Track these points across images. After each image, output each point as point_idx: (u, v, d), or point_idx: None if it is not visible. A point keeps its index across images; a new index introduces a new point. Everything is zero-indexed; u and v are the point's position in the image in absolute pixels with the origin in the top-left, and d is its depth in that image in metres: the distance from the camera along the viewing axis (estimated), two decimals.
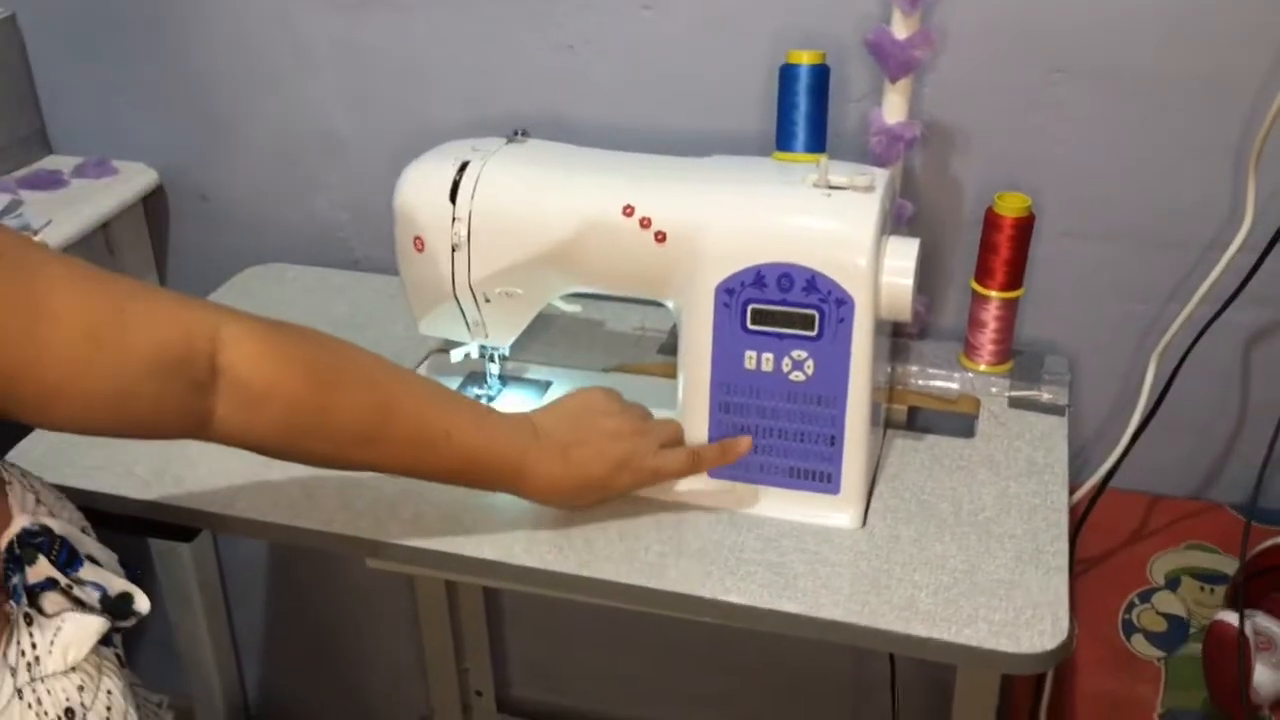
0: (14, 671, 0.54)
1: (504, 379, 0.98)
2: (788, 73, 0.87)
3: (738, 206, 0.81)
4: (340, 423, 0.70)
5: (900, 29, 0.91)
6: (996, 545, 0.81)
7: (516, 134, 0.90)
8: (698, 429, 0.85)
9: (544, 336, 1.05)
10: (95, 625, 0.56)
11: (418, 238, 0.87)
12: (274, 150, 1.23)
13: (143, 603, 0.60)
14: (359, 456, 0.73)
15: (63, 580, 0.57)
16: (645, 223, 0.82)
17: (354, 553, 0.84)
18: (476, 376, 0.99)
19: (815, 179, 0.81)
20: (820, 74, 0.87)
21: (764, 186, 0.82)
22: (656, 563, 0.80)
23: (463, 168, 0.86)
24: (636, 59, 1.08)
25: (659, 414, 0.88)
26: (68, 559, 0.58)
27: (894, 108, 0.94)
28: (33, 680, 0.54)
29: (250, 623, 1.59)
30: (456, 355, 0.95)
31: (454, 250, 0.86)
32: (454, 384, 0.99)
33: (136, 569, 0.64)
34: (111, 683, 0.58)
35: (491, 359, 0.97)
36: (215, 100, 1.22)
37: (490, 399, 0.97)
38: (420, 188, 0.87)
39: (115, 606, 0.58)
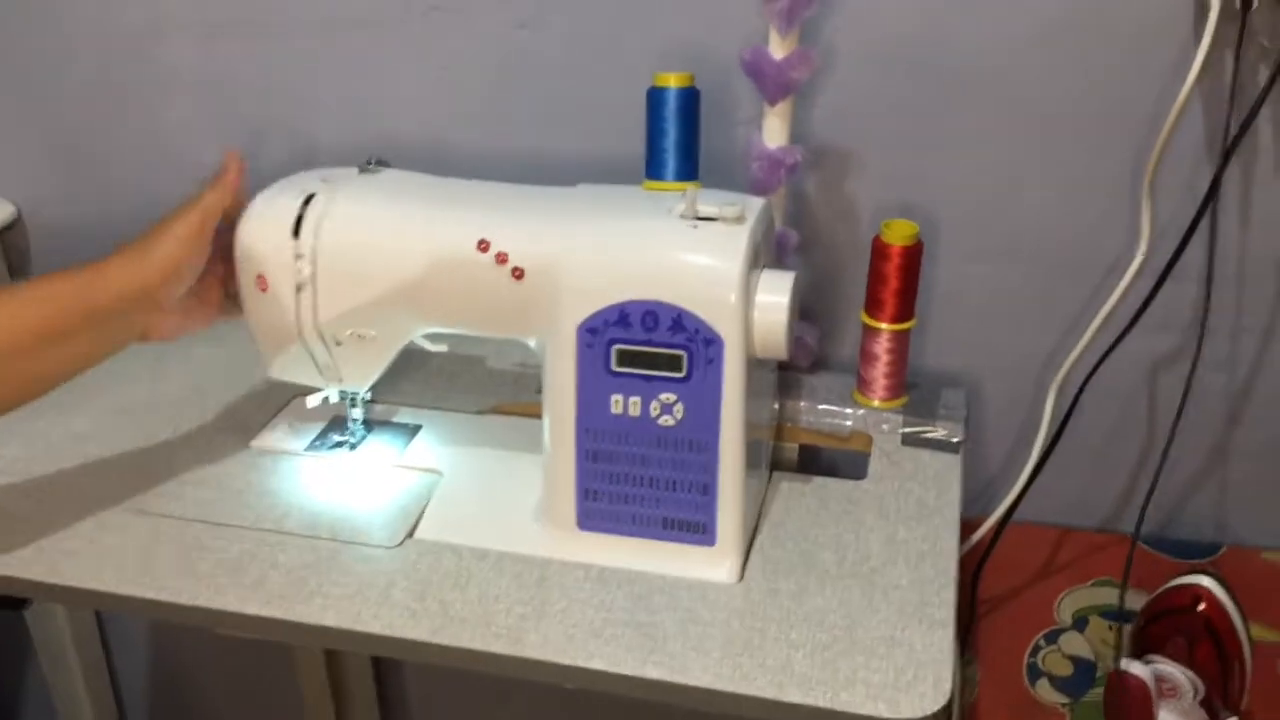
0: None
1: (368, 424, 0.92)
2: (655, 96, 0.82)
3: (599, 240, 0.75)
4: None
5: (778, 49, 0.87)
6: (880, 598, 0.76)
7: (370, 163, 0.84)
8: (564, 477, 0.79)
9: (416, 377, 0.99)
10: None
11: (260, 276, 0.81)
12: (137, 183, 1.16)
13: None
14: None
15: None
16: (501, 258, 0.76)
17: (192, 622, 0.77)
18: (339, 424, 0.92)
19: (682, 209, 0.76)
20: (688, 97, 0.82)
21: (627, 218, 0.77)
22: (516, 626, 0.74)
23: (308, 200, 0.80)
24: (513, 80, 1.02)
25: (529, 457, 0.83)
26: None
27: (774, 132, 0.89)
28: None
29: (135, 679, 1.50)
30: (313, 401, 0.88)
31: (298, 290, 0.80)
32: (314, 432, 0.92)
33: None
34: None
35: (354, 403, 0.90)
36: (76, 132, 1.15)
37: (353, 447, 0.91)
38: (262, 222, 0.80)
39: None
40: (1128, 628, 0.92)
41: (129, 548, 0.81)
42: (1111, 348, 0.92)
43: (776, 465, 0.91)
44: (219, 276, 0.82)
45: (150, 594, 0.77)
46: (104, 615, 1.41)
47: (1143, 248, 0.91)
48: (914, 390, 0.97)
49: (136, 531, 0.83)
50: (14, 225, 1.19)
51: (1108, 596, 0.99)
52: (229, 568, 0.79)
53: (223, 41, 1.07)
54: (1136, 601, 0.94)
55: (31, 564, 0.79)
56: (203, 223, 0.78)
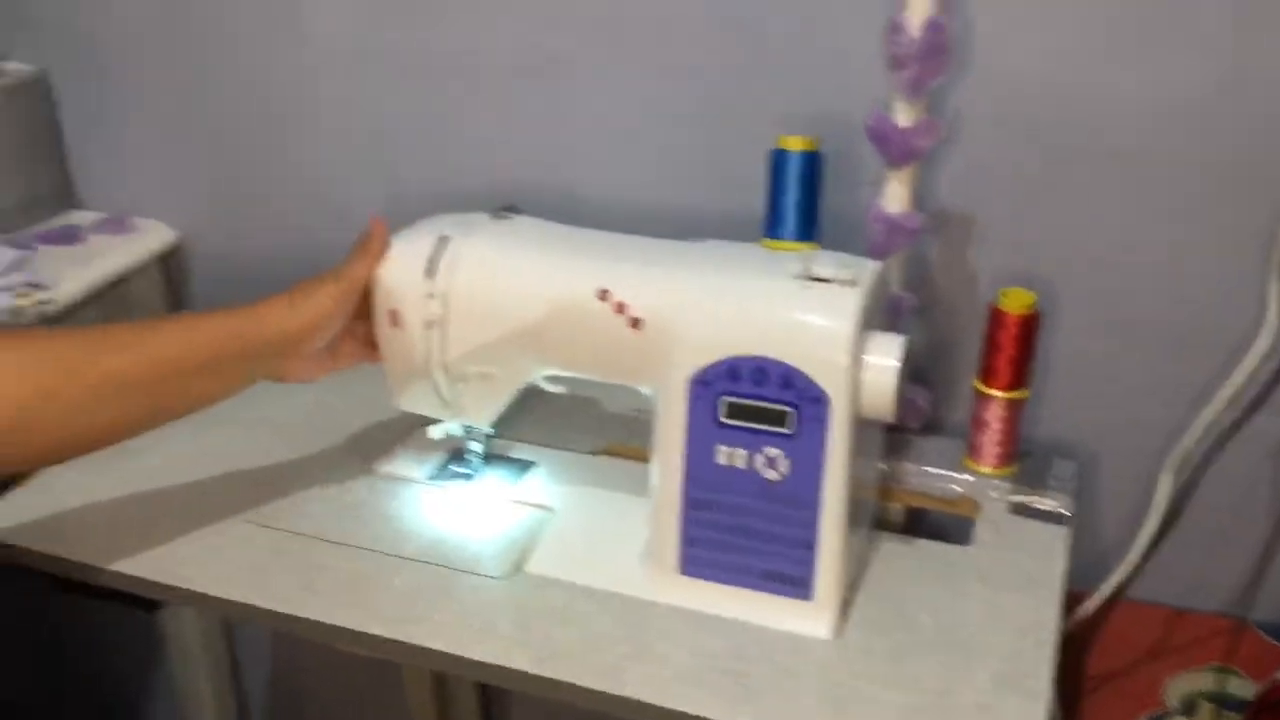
0: None
1: (486, 458, 0.96)
2: (778, 159, 0.85)
3: (715, 295, 0.78)
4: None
5: (903, 116, 0.88)
6: (977, 664, 0.76)
7: (502, 210, 0.88)
8: (669, 522, 0.82)
9: (534, 415, 1.03)
10: None
11: (394, 312, 0.85)
12: (287, 214, 1.23)
13: None
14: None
15: None
16: (620, 308, 0.79)
17: (309, 635, 0.82)
18: (458, 455, 0.96)
19: (798, 269, 0.78)
20: (811, 161, 0.84)
21: (744, 275, 0.79)
22: (616, 665, 0.76)
23: (442, 243, 0.84)
24: (641, 135, 1.06)
25: (637, 500, 0.85)
26: None
27: (895, 196, 0.91)
28: None
29: (260, 684, 1.57)
30: (435, 432, 0.93)
31: (429, 327, 0.84)
32: (435, 461, 0.97)
33: None
34: None
35: (473, 437, 0.94)
36: (238, 165, 1.23)
37: (467, 478, 0.94)
38: (399, 262, 0.85)
39: None
40: (1238, 717, 0.90)
41: (254, 559, 0.86)
42: (1233, 427, 0.91)
43: (881, 525, 0.92)
44: (354, 333, 0.88)
45: (272, 605, 0.82)
46: (232, 622, 1.47)
47: (1270, 326, 0.90)
48: (1025, 459, 0.96)
49: (261, 544, 0.88)
50: (175, 251, 1.27)
51: (1219, 683, 0.97)
52: (347, 585, 0.83)
53: (375, 83, 1.13)
54: (1249, 690, 0.91)
55: (164, 569, 0.85)
56: (349, 290, 0.84)
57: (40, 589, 0.93)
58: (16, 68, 1.22)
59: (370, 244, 0.86)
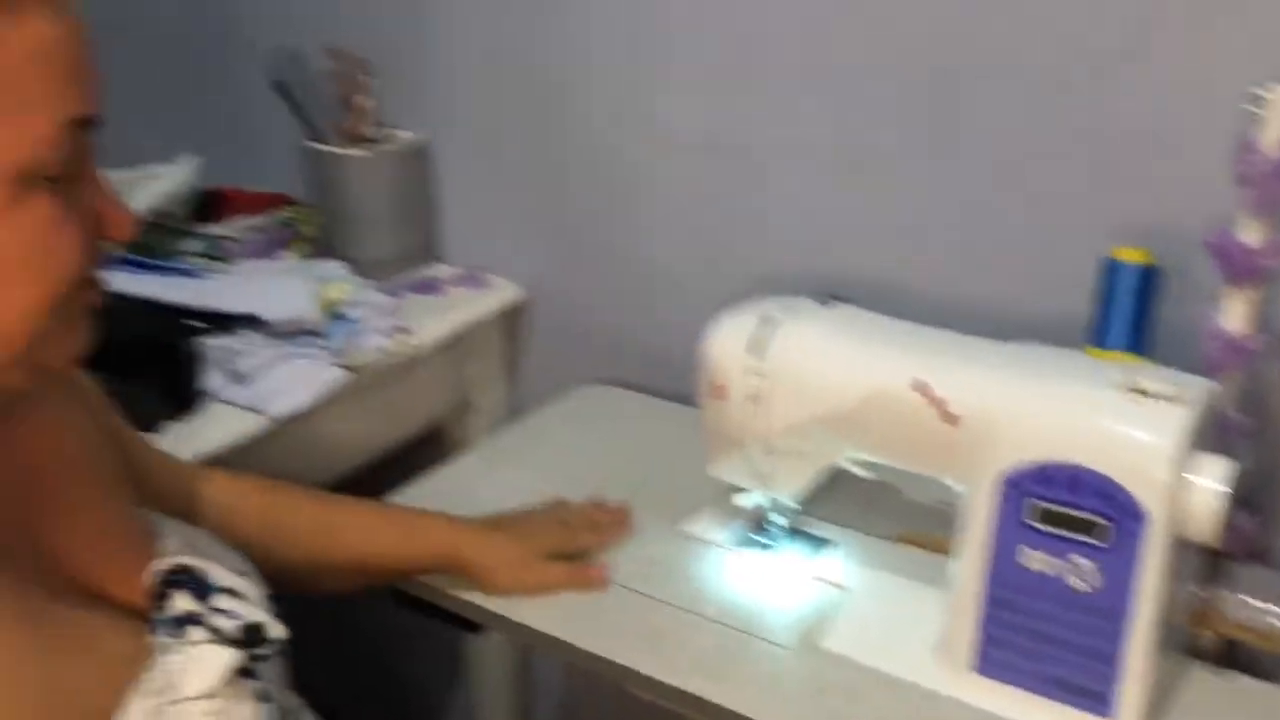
0: (149, 695, 0.61)
1: (787, 531, 1.00)
2: (1112, 269, 0.84)
3: (1035, 397, 0.79)
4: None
5: (1249, 234, 0.86)
6: None
7: (828, 297, 0.93)
8: (967, 619, 0.82)
9: (838, 495, 1.05)
10: (226, 657, 0.63)
11: (718, 385, 0.91)
12: (620, 281, 1.33)
13: (275, 630, 0.67)
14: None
15: (199, 609, 0.65)
16: (936, 402, 0.82)
17: (609, 675, 0.88)
18: (760, 525, 1.01)
19: (1124, 381, 0.77)
20: (1147, 275, 0.83)
21: (1066, 381, 0.79)
22: None
23: (769, 323, 0.90)
24: (969, 233, 1.08)
25: (933, 591, 0.87)
26: (201, 590, 0.66)
27: (1235, 315, 0.88)
28: (169, 704, 0.61)
29: (549, 716, 1.66)
30: (743, 501, 0.97)
31: (749, 402, 0.90)
32: (736, 530, 1.01)
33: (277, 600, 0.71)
34: (246, 713, 0.63)
35: (778, 510, 0.98)
36: (579, 234, 1.34)
37: (767, 548, 0.98)
38: (726, 338, 0.91)
39: (248, 636, 0.65)
40: None
41: (566, 599, 0.93)
42: None
43: (1192, 652, 0.88)
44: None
45: (581, 643, 0.89)
46: (531, 653, 1.58)
47: None
48: None
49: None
50: (519, 307, 1.40)
51: None
52: (648, 634, 0.89)
53: (714, 169, 1.21)
54: None
55: (490, 597, 0.94)
56: (557, 580, 0.94)
57: (381, 604, 1.04)
58: (406, 135, 1.39)
59: (608, 525, 0.98)
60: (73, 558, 0.66)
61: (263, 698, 0.66)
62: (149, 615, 0.65)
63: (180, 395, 1.06)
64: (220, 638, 0.64)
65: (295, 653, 0.75)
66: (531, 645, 0.93)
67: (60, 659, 0.60)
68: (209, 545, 0.73)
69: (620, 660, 0.87)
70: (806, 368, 0.87)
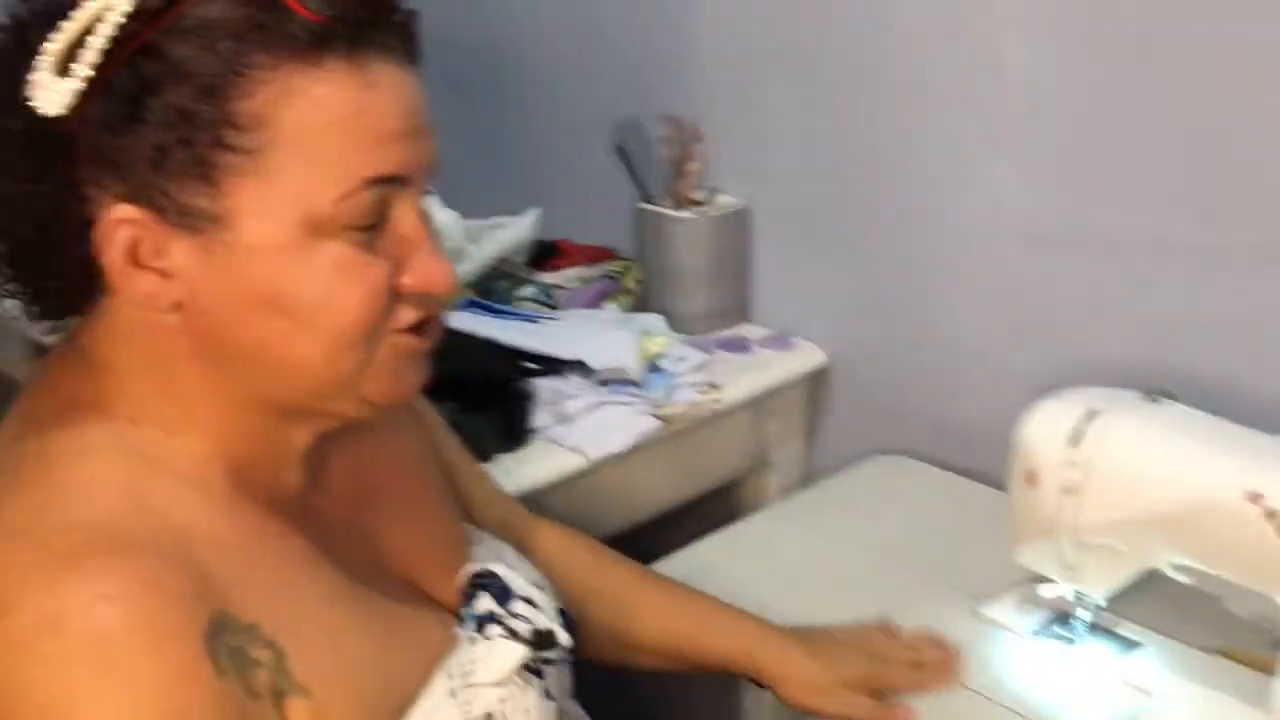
0: (451, 677, 0.68)
1: (1091, 628, 0.97)
2: None
3: None
4: None
5: None
6: None
7: (1157, 394, 0.91)
8: None
9: (1149, 596, 1.02)
10: (516, 652, 0.70)
11: (1030, 472, 0.91)
12: (924, 358, 1.33)
13: (562, 638, 0.73)
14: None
15: (500, 611, 0.72)
16: (1271, 514, 0.78)
17: None
18: (1063, 617, 0.99)
19: None
20: None
21: None
22: None
23: (1091, 416, 0.89)
24: None
25: (1249, 711, 0.83)
26: (502, 595, 0.74)
27: None
28: (466, 687, 0.68)
29: None
30: (1046, 591, 0.96)
31: (1064, 493, 0.89)
32: (1037, 619, 1.00)
33: (571, 621, 0.77)
34: (532, 702, 0.70)
35: (1083, 605, 0.96)
36: (888, 306, 1.36)
37: (1072, 643, 0.96)
38: (1045, 425, 0.91)
39: (540, 639, 0.72)
40: None
41: None
42: None
43: None
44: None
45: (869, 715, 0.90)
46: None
47: None
48: None
49: None
50: (822, 372, 1.43)
51: None
52: (940, 714, 0.90)
53: (1034, 254, 1.20)
54: None
55: None
56: (857, 713, 0.91)
57: None
58: (728, 199, 1.46)
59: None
60: (400, 558, 0.75)
61: (546, 696, 0.73)
62: (457, 611, 0.74)
63: (514, 430, 1.16)
64: (515, 637, 0.72)
65: (581, 672, 0.82)
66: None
67: (392, 643, 0.68)
68: (513, 558, 0.81)
69: None
70: (1130, 465, 0.86)
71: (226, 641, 0.58)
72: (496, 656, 0.70)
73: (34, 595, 0.54)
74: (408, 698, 0.66)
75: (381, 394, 0.65)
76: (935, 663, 0.94)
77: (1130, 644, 0.97)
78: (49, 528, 0.57)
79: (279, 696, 0.60)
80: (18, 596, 0.55)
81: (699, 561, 1.11)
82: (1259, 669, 0.92)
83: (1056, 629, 0.98)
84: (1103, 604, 0.95)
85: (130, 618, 0.55)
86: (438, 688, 0.67)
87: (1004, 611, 1.02)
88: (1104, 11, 1.10)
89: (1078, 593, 0.95)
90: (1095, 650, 0.96)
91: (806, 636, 0.94)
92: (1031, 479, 0.91)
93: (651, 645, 0.96)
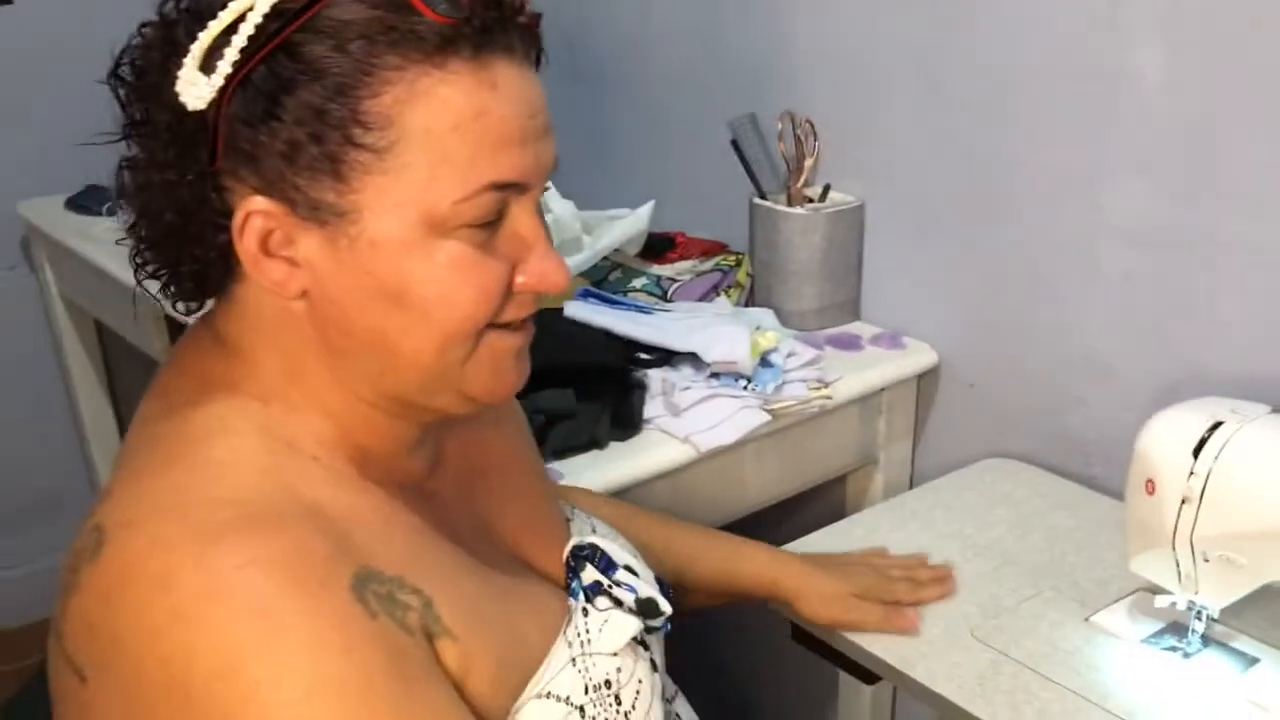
0: (570, 645, 0.71)
1: (1206, 640, 0.96)
2: None
3: None
4: None
5: None
6: None
7: None
8: None
9: (1268, 610, 1.00)
10: (631, 624, 0.73)
11: (1150, 480, 0.90)
12: (1038, 362, 1.32)
13: (664, 606, 0.76)
14: None
15: (605, 582, 0.75)
16: None
17: None
18: (1178, 628, 0.98)
19: None
20: None
21: None
22: None
23: (1215, 427, 0.88)
24: None
25: None
26: (606, 565, 0.77)
27: None
28: (584, 654, 0.71)
29: None
30: (1161, 601, 0.95)
31: (1183, 503, 0.88)
32: (1152, 628, 0.99)
33: (668, 589, 0.80)
34: (643, 672, 0.73)
35: (1199, 616, 0.95)
36: (1004, 308, 1.35)
37: (1186, 655, 0.95)
38: (1166, 434, 0.90)
39: (644, 607, 0.75)
40: None
41: (972, 668, 0.95)
42: None
43: None
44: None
45: (982, 715, 0.91)
46: (899, 706, 1.59)
47: None
48: None
49: (977, 656, 0.97)
50: (932, 372, 1.43)
51: None
52: (1045, 717, 0.89)
53: (1152, 249, 1.18)
54: None
55: (892, 651, 0.98)
56: (869, 619, 1.00)
57: (777, 633, 1.11)
58: (843, 197, 1.46)
59: (935, 584, 1.03)
60: (510, 536, 0.79)
61: (653, 667, 0.75)
62: (565, 583, 0.77)
63: (627, 419, 1.18)
64: (621, 607, 0.74)
65: (668, 649, 0.84)
66: (943, 714, 0.96)
67: (514, 608, 0.71)
68: (606, 530, 0.84)
69: None
70: (1254, 478, 0.85)
71: (374, 589, 0.61)
72: (612, 627, 0.73)
73: (189, 570, 0.58)
74: (534, 662, 0.69)
75: (483, 391, 0.68)
76: (929, 579, 1.05)
77: (1248, 659, 0.95)
78: (195, 504, 0.60)
79: (431, 637, 0.63)
80: (174, 572, 0.58)
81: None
82: None
83: (1169, 640, 0.97)
84: (1217, 616, 0.94)
85: (281, 577, 0.58)
86: (560, 654, 0.70)
87: (1115, 620, 1.01)
88: (1227, 21, 1.08)
89: (1193, 604, 0.94)
90: (1209, 663, 0.95)
91: (819, 559, 1.06)
92: (1151, 487, 0.90)
93: (691, 583, 1.01)
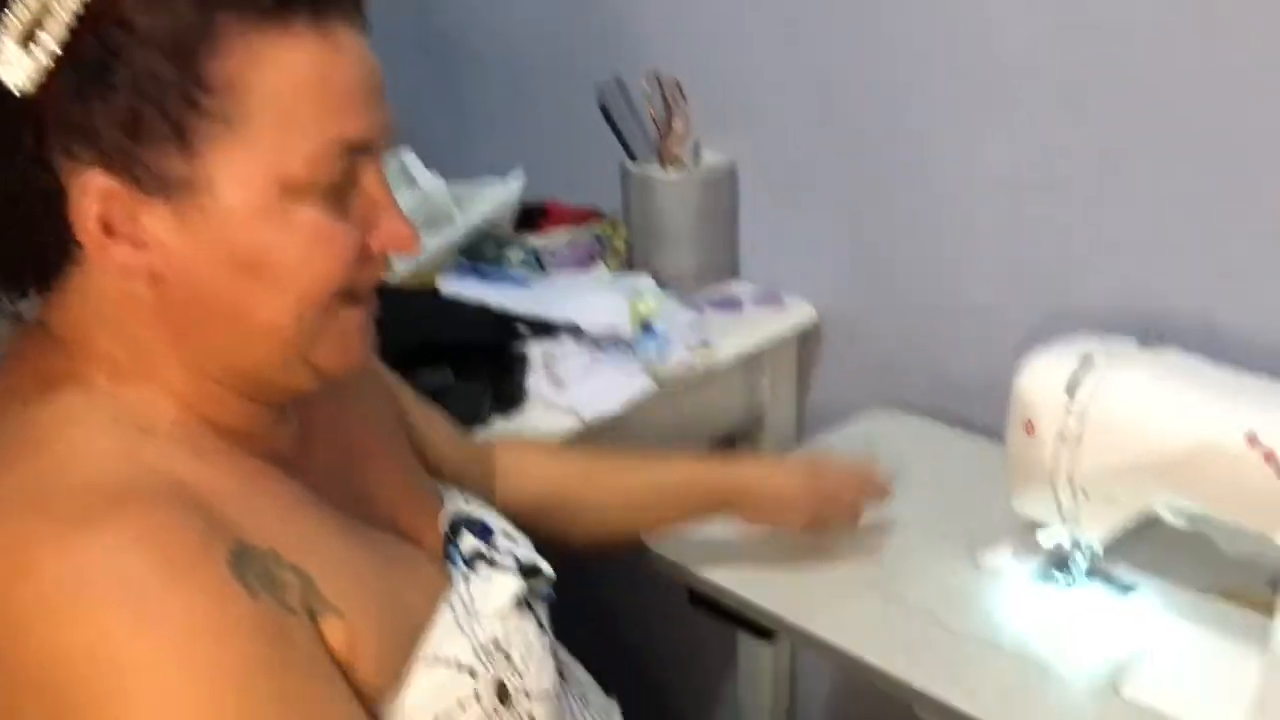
0: (454, 609, 0.70)
1: (1089, 573, 0.98)
2: None
3: None
4: None
5: None
6: None
7: (1150, 338, 0.91)
8: None
9: (1146, 541, 1.03)
10: (513, 583, 0.73)
11: (1029, 421, 0.91)
12: (921, 306, 1.34)
13: (546, 569, 0.77)
14: None
15: (484, 548, 0.75)
16: (1270, 456, 0.79)
17: (900, 696, 0.90)
18: (1061, 563, 1.00)
19: None
20: None
21: None
22: None
23: (1087, 363, 0.89)
24: None
25: (1244, 649, 0.84)
26: (483, 532, 0.77)
27: None
28: (469, 617, 0.70)
29: None
30: (1044, 538, 0.97)
31: (1062, 440, 0.90)
32: (1036, 563, 1.01)
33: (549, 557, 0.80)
34: (531, 632, 0.73)
35: (1081, 550, 0.97)
36: (880, 261, 1.36)
37: (1068, 587, 0.98)
38: (1041, 375, 0.91)
39: (525, 569, 0.76)
40: None
41: (865, 618, 0.96)
42: None
43: None
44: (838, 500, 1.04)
45: (877, 661, 0.91)
46: (798, 663, 1.61)
47: None
48: None
49: (871, 606, 0.98)
50: (813, 329, 1.43)
51: None
52: (944, 662, 0.91)
53: (1023, 192, 1.21)
54: None
55: (789, 607, 0.98)
56: (818, 494, 1.01)
57: (674, 599, 1.10)
58: (715, 157, 1.45)
59: (875, 487, 1.04)
60: (386, 506, 0.77)
61: (541, 628, 0.75)
62: (444, 552, 0.77)
63: (508, 394, 1.16)
64: (504, 570, 0.75)
65: (564, 619, 0.83)
66: (839, 665, 0.96)
67: (395, 577, 0.69)
68: (479, 504, 0.83)
69: (916, 682, 0.89)
70: (1127, 412, 0.86)
71: (252, 567, 0.59)
72: (494, 589, 0.72)
73: (50, 557, 0.55)
74: (418, 629, 0.68)
75: (332, 364, 0.67)
76: (868, 470, 1.06)
77: (1128, 588, 0.98)
78: (53, 494, 0.58)
79: (314, 615, 0.61)
80: (33, 561, 0.55)
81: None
82: (1256, 609, 0.94)
83: (1055, 574, 0.99)
84: (1100, 549, 0.97)
85: (153, 557, 0.56)
86: (445, 618, 0.69)
87: (1002, 558, 1.03)
88: None
89: (1075, 538, 0.96)
90: (1093, 594, 0.97)
91: (758, 460, 1.09)
92: (1029, 427, 0.92)
93: (640, 504, 1.02)
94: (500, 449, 1.02)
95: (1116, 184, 1.13)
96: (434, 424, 0.93)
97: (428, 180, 1.39)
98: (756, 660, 1.52)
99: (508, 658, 0.70)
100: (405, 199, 1.37)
